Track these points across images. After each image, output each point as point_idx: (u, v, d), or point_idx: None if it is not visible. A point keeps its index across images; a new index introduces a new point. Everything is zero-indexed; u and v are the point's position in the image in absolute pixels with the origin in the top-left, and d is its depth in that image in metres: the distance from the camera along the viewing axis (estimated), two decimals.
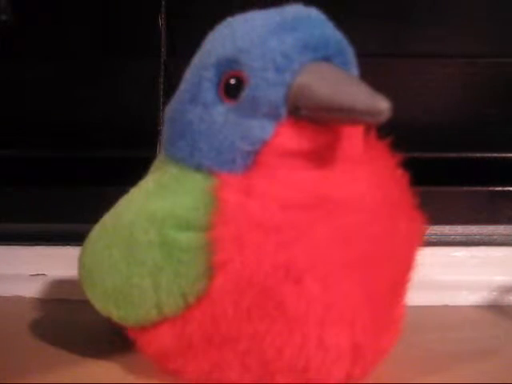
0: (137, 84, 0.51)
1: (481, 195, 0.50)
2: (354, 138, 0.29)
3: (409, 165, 0.31)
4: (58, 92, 0.51)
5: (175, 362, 0.31)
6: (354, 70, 0.29)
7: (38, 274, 0.46)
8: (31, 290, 0.46)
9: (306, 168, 0.28)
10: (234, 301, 0.28)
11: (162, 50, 0.50)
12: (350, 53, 0.29)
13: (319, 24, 0.28)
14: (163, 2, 0.50)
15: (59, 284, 0.46)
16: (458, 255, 0.47)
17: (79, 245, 0.33)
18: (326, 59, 0.27)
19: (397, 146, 0.31)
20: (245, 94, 0.28)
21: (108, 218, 0.32)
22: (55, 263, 0.46)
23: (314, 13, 0.29)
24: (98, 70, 0.51)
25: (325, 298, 0.27)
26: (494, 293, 0.45)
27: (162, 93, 0.50)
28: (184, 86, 0.31)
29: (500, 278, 0.45)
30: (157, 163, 0.33)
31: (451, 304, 0.45)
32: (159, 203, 0.29)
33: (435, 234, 0.49)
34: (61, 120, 0.51)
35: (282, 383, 0.29)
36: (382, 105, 0.24)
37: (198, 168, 0.29)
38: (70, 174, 0.51)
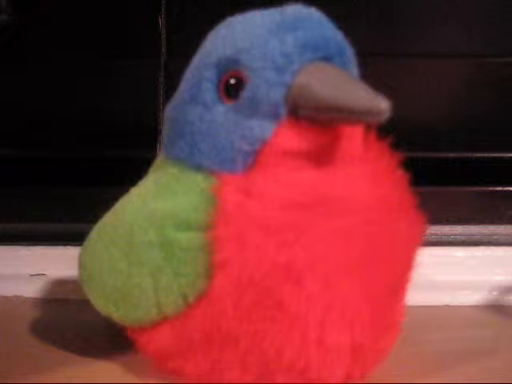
0: (137, 84, 0.51)
1: (481, 195, 0.50)
2: (354, 138, 0.29)
3: (409, 165, 0.31)
4: (58, 92, 0.51)
5: (175, 362, 0.31)
6: (354, 70, 0.29)
7: (38, 274, 0.46)
8: (31, 289, 0.46)
9: (306, 168, 0.28)
10: (233, 301, 0.28)
11: (162, 50, 0.50)
12: (349, 53, 0.29)
13: (319, 24, 0.28)
14: (163, 2, 0.50)
15: (59, 284, 0.46)
16: (458, 255, 0.46)
17: (79, 245, 0.33)
18: (326, 59, 0.27)
19: (397, 146, 0.31)
20: (245, 93, 0.28)
21: (108, 218, 0.32)
22: (55, 263, 0.46)
23: (314, 13, 0.29)
24: (98, 70, 0.51)
25: (325, 298, 0.27)
26: (494, 293, 0.45)
27: (161, 93, 0.50)
28: (184, 86, 0.31)
29: (500, 278, 0.45)
30: (157, 163, 0.33)
31: (451, 304, 0.45)
32: (159, 203, 0.29)
33: (435, 234, 0.49)
34: (61, 120, 0.51)
35: (281, 383, 0.29)
36: (382, 105, 0.24)
37: (198, 168, 0.29)
38: (70, 174, 0.50)
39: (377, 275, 0.29)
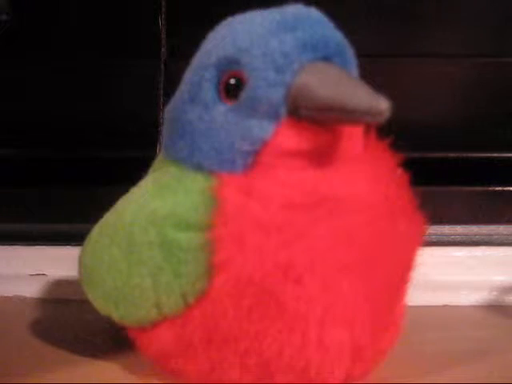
0: (137, 84, 0.51)
1: (481, 195, 0.50)
2: (354, 138, 0.29)
3: (409, 165, 0.31)
4: (58, 92, 0.51)
5: (175, 362, 0.31)
6: (354, 70, 0.29)
7: (38, 274, 0.46)
8: (31, 290, 0.46)
9: (306, 168, 0.28)
10: (234, 301, 0.28)
11: (162, 50, 0.50)
12: (349, 53, 0.29)
13: (319, 24, 0.28)
14: (163, 3, 0.50)
15: (59, 284, 0.46)
16: (458, 255, 0.46)
17: (79, 245, 0.33)
18: (326, 59, 0.27)
19: (397, 146, 0.31)
20: (245, 93, 0.28)
21: (108, 218, 0.32)
22: (55, 263, 0.46)
23: (314, 13, 0.29)
24: (98, 70, 0.51)
25: (325, 297, 0.27)
26: (494, 293, 0.45)
27: (161, 93, 0.50)
28: (184, 86, 0.31)
29: (500, 278, 0.45)
30: (157, 163, 0.33)
31: (451, 304, 0.45)
32: (159, 203, 0.29)
33: (435, 234, 0.49)
34: (61, 120, 0.51)
35: (281, 383, 0.29)
36: (382, 105, 0.24)
37: (198, 168, 0.29)
38: (70, 174, 0.51)
39: (377, 275, 0.29)
